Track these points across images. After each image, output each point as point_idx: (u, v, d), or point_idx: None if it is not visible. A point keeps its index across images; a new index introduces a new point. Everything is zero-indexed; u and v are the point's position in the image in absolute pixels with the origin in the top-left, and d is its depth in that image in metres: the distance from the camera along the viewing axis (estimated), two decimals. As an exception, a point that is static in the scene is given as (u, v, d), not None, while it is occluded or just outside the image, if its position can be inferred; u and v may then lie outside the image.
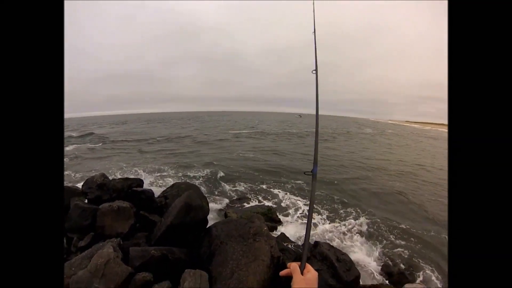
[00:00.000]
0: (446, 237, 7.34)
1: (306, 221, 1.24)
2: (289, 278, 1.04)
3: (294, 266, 1.04)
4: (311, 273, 1.01)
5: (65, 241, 4.97)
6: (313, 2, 2.44)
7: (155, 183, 11.25)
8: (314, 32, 2.07)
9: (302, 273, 1.01)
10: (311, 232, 7.01)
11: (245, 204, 9.25)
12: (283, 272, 1.09)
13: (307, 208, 8.84)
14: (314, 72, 1.89)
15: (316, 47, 2.03)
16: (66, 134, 33.33)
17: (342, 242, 6.91)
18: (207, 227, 5.09)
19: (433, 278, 5.73)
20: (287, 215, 8.54)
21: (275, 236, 6.19)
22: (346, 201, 9.93)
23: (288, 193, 10.61)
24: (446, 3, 1.05)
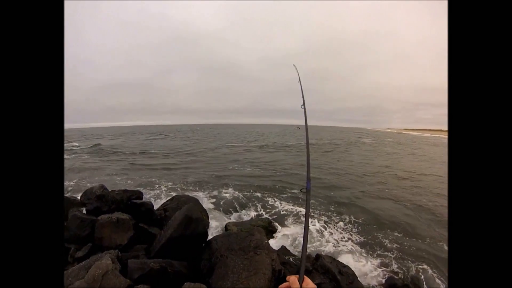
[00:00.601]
0: (445, 245, 7.31)
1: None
2: None
3: (293, 280, 1.04)
4: (310, 286, 1.02)
5: (62, 252, 4.89)
6: (299, 81, 2.58)
7: (155, 196, 11.22)
8: (304, 106, 2.25)
9: (301, 286, 1.02)
10: (311, 245, 6.94)
11: (245, 216, 9.16)
12: (282, 286, 1.08)
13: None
14: (303, 107, 2.22)
15: (304, 96, 2.29)
16: (70, 145, 33.31)
17: (340, 251, 6.83)
18: (207, 240, 5.02)
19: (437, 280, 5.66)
20: (287, 226, 8.46)
21: (276, 249, 6.11)
22: (343, 211, 9.87)
23: (287, 204, 10.58)
24: (444, 4, 1.06)
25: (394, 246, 7.30)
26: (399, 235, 8.04)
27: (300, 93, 2.36)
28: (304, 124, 2.10)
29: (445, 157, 26.74)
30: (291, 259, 5.59)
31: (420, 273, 6.06)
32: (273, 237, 7.43)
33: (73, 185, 12.78)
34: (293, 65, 3.04)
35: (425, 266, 6.30)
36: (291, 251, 6.36)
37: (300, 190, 1.63)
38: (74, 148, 31.13)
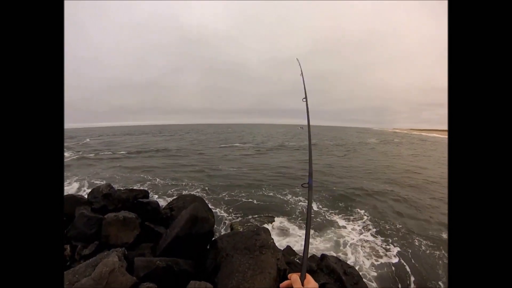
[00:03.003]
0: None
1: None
2: None
3: (294, 278, 1.03)
4: (311, 284, 1.01)
5: (69, 248, 4.95)
6: (301, 75, 2.54)
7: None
8: (306, 99, 2.13)
9: (302, 284, 1.01)
10: (317, 246, 6.91)
11: (250, 216, 9.16)
12: (283, 284, 1.07)
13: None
14: (305, 100, 2.07)
15: (308, 107, 2.11)
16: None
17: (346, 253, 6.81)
18: (213, 239, 5.04)
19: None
20: (294, 225, 8.47)
21: (282, 248, 6.10)
22: (355, 210, 9.82)
23: (293, 202, 10.62)
24: (446, 4, 1.06)
25: (403, 247, 7.26)
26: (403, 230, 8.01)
27: (302, 88, 2.27)
28: (306, 121, 2.01)
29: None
30: (296, 259, 5.58)
31: (426, 275, 6.03)
32: (279, 236, 7.44)
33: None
34: (296, 59, 3.00)
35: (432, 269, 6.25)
36: (296, 251, 6.35)
37: (301, 185, 1.58)
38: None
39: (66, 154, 23.29)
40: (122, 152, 27.12)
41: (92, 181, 14.12)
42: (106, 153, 26.79)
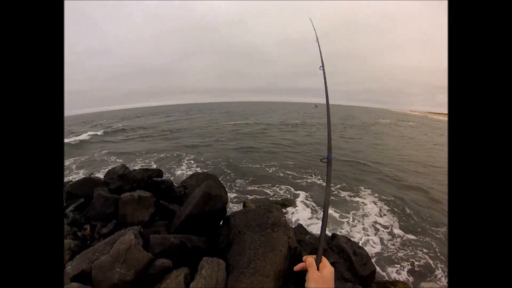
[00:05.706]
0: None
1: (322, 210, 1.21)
2: (304, 271, 0.99)
3: (310, 261, 0.98)
4: (328, 269, 0.96)
5: (89, 228, 5.18)
6: (317, 40, 2.36)
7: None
8: (323, 67, 2.02)
9: (318, 268, 0.96)
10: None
11: (263, 193, 9.25)
12: (297, 267, 1.03)
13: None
14: (321, 68, 1.96)
15: (325, 77, 1.99)
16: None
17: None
18: (226, 216, 5.14)
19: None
20: (306, 202, 8.50)
21: (293, 226, 6.19)
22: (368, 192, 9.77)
23: (307, 180, 10.60)
24: None
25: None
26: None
27: (314, 65, 2.08)
28: (320, 102, 1.88)
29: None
30: (307, 237, 5.65)
31: (432, 261, 6.01)
32: (292, 211, 7.53)
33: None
34: (309, 19, 2.64)
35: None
36: (308, 229, 6.43)
37: (321, 160, 1.53)
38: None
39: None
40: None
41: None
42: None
